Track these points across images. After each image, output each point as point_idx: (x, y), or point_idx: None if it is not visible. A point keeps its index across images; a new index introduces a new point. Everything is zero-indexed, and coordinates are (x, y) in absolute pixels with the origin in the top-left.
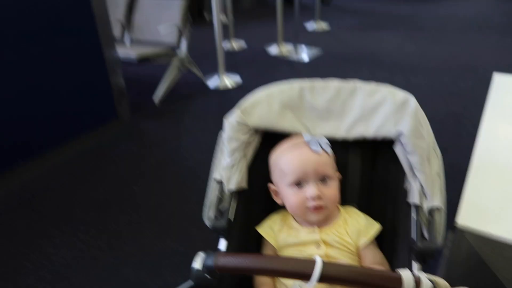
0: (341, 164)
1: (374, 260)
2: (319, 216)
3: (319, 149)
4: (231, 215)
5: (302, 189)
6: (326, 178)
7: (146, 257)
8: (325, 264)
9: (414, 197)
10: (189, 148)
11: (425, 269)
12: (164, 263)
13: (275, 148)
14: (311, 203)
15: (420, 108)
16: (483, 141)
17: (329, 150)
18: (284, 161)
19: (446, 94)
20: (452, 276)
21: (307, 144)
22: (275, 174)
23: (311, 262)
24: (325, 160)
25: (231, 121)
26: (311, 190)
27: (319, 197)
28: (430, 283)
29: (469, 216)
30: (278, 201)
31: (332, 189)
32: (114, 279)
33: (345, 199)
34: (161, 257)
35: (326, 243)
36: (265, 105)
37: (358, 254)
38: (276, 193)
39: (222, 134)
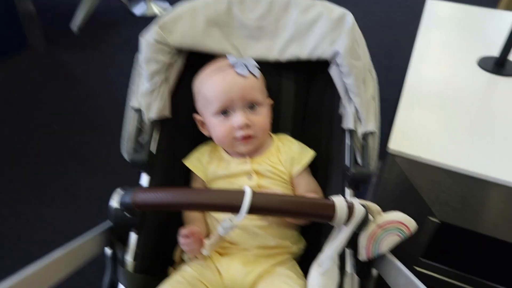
0: (273, 89)
1: (308, 188)
2: (248, 147)
3: (246, 72)
4: (152, 147)
5: (228, 117)
6: (254, 105)
7: (71, 199)
8: (254, 195)
9: (348, 122)
10: (115, 81)
11: (357, 195)
12: (91, 204)
13: (199, 73)
14: (239, 133)
15: (357, 26)
16: (414, 70)
17: (257, 73)
18: (207, 87)
19: (378, 26)
20: (383, 201)
21: (232, 66)
22: (199, 103)
23: (240, 193)
24: (253, 84)
25: (148, 39)
26: (238, 118)
27: (247, 126)
28: (362, 208)
29: (400, 142)
30: (205, 132)
31: (262, 117)
32: (36, 222)
33: (278, 127)
34: (88, 198)
35: (258, 173)
36: (188, 20)
37: (291, 183)
38: (202, 123)
39: (139, 55)
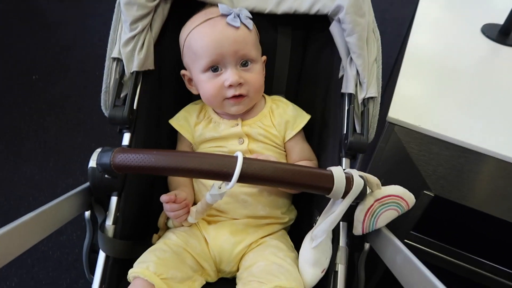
0: (268, 45)
1: (302, 155)
2: (240, 107)
3: (238, 22)
4: (134, 102)
5: (218, 74)
6: (248, 61)
7: (51, 154)
8: (246, 161)
9: (348, 86)
10: (97, 31)
11: (352, 165)
12: (73, 160)
13: (186, 23)
14: (230, 92)
15: None
16: (414, 37)
17: (251, 24)
18: (195, 39)
19: None
20: (376, 171)
21: (223, 17)
22: (186, 57)
23: (231, 159)
24: (246, 37)
25: None
26: (229, 75)
27: (239, 84)
28: (361, 180)
29: (399, 111)
30: (193, 90)
31: (256, 74)
32: (14, 178)
33: (271, 88)
34: (69, 154)
35: (249, 136)
36: None
37: (284, 148)
38: (190, 80)
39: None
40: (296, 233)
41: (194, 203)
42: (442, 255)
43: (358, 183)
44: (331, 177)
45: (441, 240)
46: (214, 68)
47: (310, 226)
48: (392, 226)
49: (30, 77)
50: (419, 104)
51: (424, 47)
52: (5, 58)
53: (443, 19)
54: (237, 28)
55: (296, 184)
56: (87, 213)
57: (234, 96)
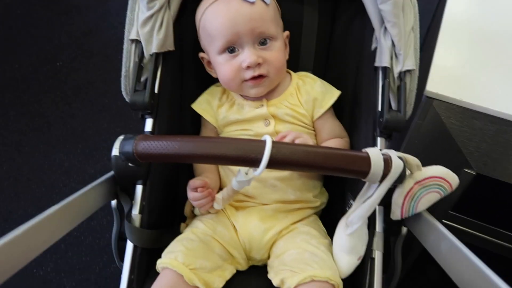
0: (293, 19)
1: (333, 133)
2: (260, 89)
3: None
4: (155, 86)
5: (235, 55)
6: (266, 39)
7: (79, 141)
8: (276, 146)
9: (383, 59)
10: (118, 14)
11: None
12: (100, 146)
13: (200, 3)
14: (248, 73)
15: None
16: (452, 1)
17: None
18: (209, 19)
19: None
20: (413, 149)
21: None
22: (202, 39)
23: (259, 144)
24: (263, 13)
25: None
26: (246, 56)
27: (258, 65)
28: (400, 162)
29: (438, 84)
30: (212, 73)
31: (276, 52)
32: (45, 166)
33: (298, 65)
34: (96, 139)
35: (275, 117)
36: None
37: (313, 127)
38: (209, 63)
39: None
40: (329, 218)
41: (220, 189)
42: (483, 235)
43: (397, 165)
44: (367, 159)
45: (482, 219)
46: (230, 49)
47: (343, 210)
48: (430, 206)
49: (55, 64)
50: (460, 75)
51: (464, 11)
52: (29, 46)
53: None
54: (253, 3)
55: (329, 169)
56: (114, 202)
57: (253, 78)
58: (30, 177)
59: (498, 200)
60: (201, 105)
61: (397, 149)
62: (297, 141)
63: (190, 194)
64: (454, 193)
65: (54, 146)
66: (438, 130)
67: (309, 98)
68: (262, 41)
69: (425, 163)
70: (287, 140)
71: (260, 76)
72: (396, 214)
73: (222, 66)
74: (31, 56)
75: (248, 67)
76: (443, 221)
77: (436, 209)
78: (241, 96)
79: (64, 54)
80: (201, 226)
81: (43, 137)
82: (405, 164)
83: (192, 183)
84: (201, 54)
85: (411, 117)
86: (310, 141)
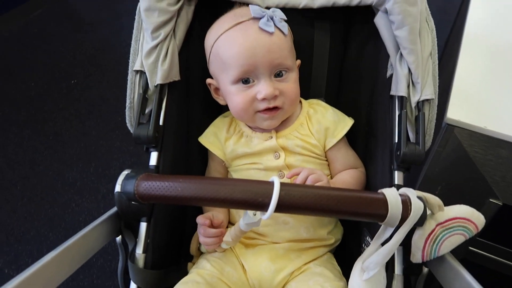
0: (304, 43)
1: (347, 163)
2: (273, 121)
3: (272, 28)
4: (160, 118)
5: (250, 86)
6: (282, 71)
7: (92, 159)
8: (285, 188)
9: (399, 87)
10: (130, 30)
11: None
12: (112, 165)
13: (212, 27)
14: (263, 104)
15: None
16: (473, 16)
17: (286, 28)
18: (224, 46)
19: None
20: (433, 180)
21: (255, 21)
22: (213, 65)
23: (267, 187)
24: (281, 43)
25: None
26: (263, 87)
27: (274, 97)
28: (421, 203)
29: (459, 110)
30: (220, 101)
31: (292, 84)
32: (58, 185)
33: (309, 91)
34: (108, 158)
35: (286, 149)
36: None
37: (326, 157)
38: (216, 90)
39: (140, 4)
40: (344, 254)
41: (231, 223)
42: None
43: (416, 207)
44: (384, 202)
45: (509, 245)
46: (245, 79)
47: (359, 247)
48: None
49: (69, 82)
50: (483, 100)
51: (486, 30)
52: (45, 64)
53: None
54: (271, 33)
55: (342, 213)
56: (118, 238)
57: (268, 109)
58: (43, 196)
59: None
60: (208, 139)
61: (416, 178)
62: (310, 179)
63: (201, 229)
64: None
65: (68, 164)
66: (460, 158)
67: (321, 127)
68: (278, 73)
69: (446, 193)
70: (299, 178)
71: (274, 108)
72: (416, 257)
73: (235, 96)
74: (46, 74)
75: (264, 99)
76: (470, 248)
77: None
78: (249, 127)
79: (79, 71)
80: (207, 266)
81: (56, 155)
82: (426, 204)
83: (200, 219)
84: (208, 80)
85: (431, 142)
86: (325, 178)
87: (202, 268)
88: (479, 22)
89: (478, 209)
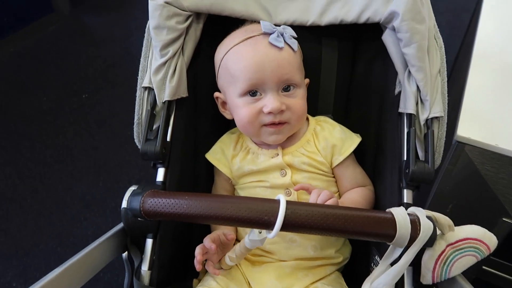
0: (312, 61)
1: (354, 181)
2: (279, 136)
3: (282, 43)
4: (167, 135)
5: (257, 99)
6: (290, 86)
7: (101, 173)
8: (291, 207)
9: (408, 105)
10: (140, 46)
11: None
12: (121, 179)
13: (223, 41)
14: (268, 118)
15: None
16: (482, 33)
17: (296, 45)
18: (234, 61)
19: None
20: (444, 198)
21: (266, 36)
22: (221, 78)
23: (273, 205)
24: (291, 60)
25: (158, 2)
26: (269, 101)
27: (280, 112)
28: (430, 223)
29: (470, 127)
30: (227, 115)
31: (299, 99)
32: (67, 198)
33: (317, 108)
34: (117, 172)
35: (292, 167)
36: None
37: (333, 173)
38: (224, 104)
39: (149, 22)
40: (352, 274)
41: (237, 240)
42: None
43: (426, 228)
44: (392, 222)
45: None
46: (252, 92)
47: (367, 266)
48: None
49: (80, 96)
50: (494, 117)
51: (496, 45)
52: (57, 79)
53: None
54: (281, 49)
55: (350, 232)
56: (125, 254)
57: (273, 123)
58: (52, 210)
59: None
60: (215, 155)
61: (426, 196)
62: (320, 197)
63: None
64: None
65: (77, 178)
66: (472, 177)
67: (328, 144)
68: (286, 87)
69: (458, 212)
70: (311, 199)
71: (280, 123)
72: (427, 278)
73: (241, 109)
74: (58, 88)
75: (270, 113)
76: (484, 267)
77: None
78: (256, 144)
79: (90, 86)
80: (213, 284)
81: (66, 169)
82: (436, 224)
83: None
84: (216, 94)
85: (442, 160)
86: (334, 196)
87: (207, 286)
88: (488, 37)
89: (491, 229)
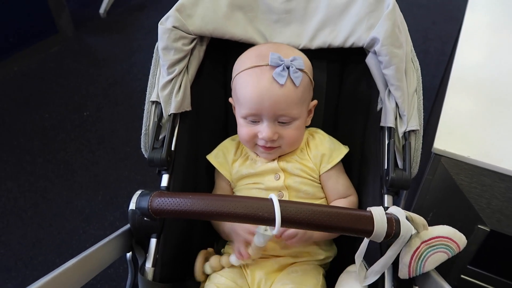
0: None
1: (338, 188)
2: (270, 155)
3: (283, 79)
4: (172, 144)
5: (255, 124)
6: (287, 120)
7: (100, 188)
8: (282, 205)
9: (388, 119)
10: (143, 66)
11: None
12: (120, 193)
13: (240, 57)
14: (261, 142)
15: (398, 8)
16: (460, 58)
17: (299, 80)
18: (240, 86)
19: (414, 7)
20: (424, 206)
21: (272, 68)
22: (233, 94)
23: (266, 203)
24: (290, 96)
25: (166, 25)
26: (264, 129)
27: (272, 140)
28: (406, 221)
29: (446, 141)
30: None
31: (293, 130)
32: (67, 212)
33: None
34: (116, 187)
35: (285, 171)
36: (209, 3)
37: (320, 180)
38: (235, 109)
39: (158, 43)
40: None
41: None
42: None
43: (406, 228)
44: (371, 219)
45: (501, 274)
46: (252, 118)
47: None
48: (447, 261)
49: (82, 114)
50: (468, 132)
51: (471, 69)
52: (59, 97)
53: (491, 38)
54: (282, 85)
55: (333, 227)
56: (129, 254)
57: (265, 147)
58: (52, 223)
59: None
60: (217, 159)
61: (410, 203)
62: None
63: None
64: (470, 249)
65: (77, 192)
66: (449, 186)
67: (318, 153)
68: (282, 120)
69: (437, 219)
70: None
71: (271, 147)
72: (403, 272)
73: (242, 128)
74: (60, 106)
75: (263, 139)
76: (462, 276)
77: (454, 264)
78: (254, 152)
79: (91, 104)
80: (222, 280)
81: (66, 183)
82: (412, 222)
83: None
84: (230, 100)
85: (422, 172)
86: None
87: (217, 283)
88: (465, 62)
89: (468, 235)
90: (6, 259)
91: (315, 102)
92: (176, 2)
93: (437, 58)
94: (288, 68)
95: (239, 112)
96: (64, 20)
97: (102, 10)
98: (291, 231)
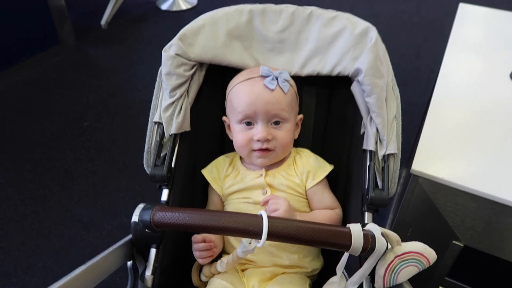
0: None
1: (322, 203)
2: (265, 160)
3: (274, 86)
4: (172, 161)
5: (250, 128)
6: (279, 120)
7: (99, 197)
8: (271, 221)
9: (369, 143)
10: (142, 77)
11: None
12: (118, 203)
13: (233, 79)
14: (257, 145)
15: (381, 41)
16: (442, 78)
17: (287, 88)
18: (235, 96)
19: (408, 24)
20: (404, 222)
21: (263, 78)
22: (227, 107)
23: (256, 218)
24: (279, 99)
25: (169, 52)
26: (259, 131)
27: (267, 140)
28: (381, 237)
29: (424, 163)
30: (230, 136)
31: (285, 132)
32: (66, 220)
33: (298, 142)
34: (115, 196)
35: (271, 187)
36: (208, 33)
37: (306, 196)
38: (229, 127)
39: (161, 69)
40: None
41: (225, 252)
42: None
43: (381, 243)
44: (349, 234)
45: (478, 285)
46: (247, 121)
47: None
48: (426, 272)
49: (82, 124)
50: (444, 154)
51: (449, 94)
52: (60, 107)
53: (472, 62)
54: (272, 90)
55: (316, 242)
56: (129, 263)
57: (260, 149)
58: (51, 230)
59: (491, 269)
60: (211, 174)
61: (393, 218)
62: (270, 206)
63: (195, 245)
64: (446, 262)
65: (76, 201)
66: (426, 204)
67: (304, 170)
68: (275, 121)
69: (416, 236)
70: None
71: (266, 149)
72: (379, 284)
73: (238, 134)
74: (61, 116)
75: (258, 140)
76: (440, 287)
77: (432, 276)
78: (245, 166)
79: (91, 114)
80: (223, 283)
81: (66, 192)
82: (386, 238)
83: (194, 237)
84: (224, 118)
85: (403, 191)
86: (282, 206)
87: (217, 284)
88: (447, 80)
89: (444, 251)
90: (5, 265)
91: (301, 116)
92: (176, 17)
93: (428, 76)
94: (277, 78)
95: (235, 118)
96: (66, 31)
97: (103, 21)
98: (274, 207)
